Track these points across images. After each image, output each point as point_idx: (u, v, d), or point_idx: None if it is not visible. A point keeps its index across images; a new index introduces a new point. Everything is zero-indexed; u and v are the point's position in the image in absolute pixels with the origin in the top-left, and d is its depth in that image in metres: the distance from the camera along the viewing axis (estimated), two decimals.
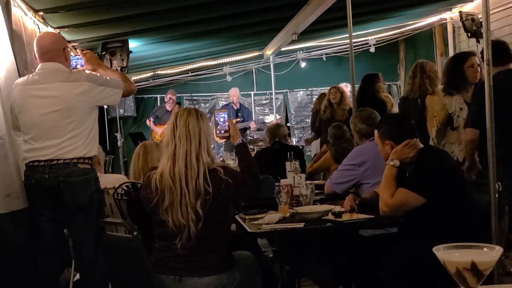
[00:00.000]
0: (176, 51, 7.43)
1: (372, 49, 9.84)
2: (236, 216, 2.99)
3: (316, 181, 4.34)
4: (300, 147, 7.15)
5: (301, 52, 9.98)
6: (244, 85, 10.27)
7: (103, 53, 4.31)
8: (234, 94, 9.02)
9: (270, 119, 9.36)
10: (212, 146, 2.58)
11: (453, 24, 8.54)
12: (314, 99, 8.67)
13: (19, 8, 3.86)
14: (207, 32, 6.51)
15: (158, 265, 2.42)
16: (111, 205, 3.41)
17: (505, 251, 3.34)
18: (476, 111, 3.51)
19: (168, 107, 8.73)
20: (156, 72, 9.28)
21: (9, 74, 3.28)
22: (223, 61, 9.56)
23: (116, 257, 2.56)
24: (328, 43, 9.75)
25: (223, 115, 2.81)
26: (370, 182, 3.41)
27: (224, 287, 2.42)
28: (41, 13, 4.37)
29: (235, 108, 8.94)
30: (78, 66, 3.27)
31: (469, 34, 6.34)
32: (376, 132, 2.93)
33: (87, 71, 3.17)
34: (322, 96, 7.25)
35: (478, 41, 6.18)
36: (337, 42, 9.60)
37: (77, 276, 3.36)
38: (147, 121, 8.83)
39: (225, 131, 2.78)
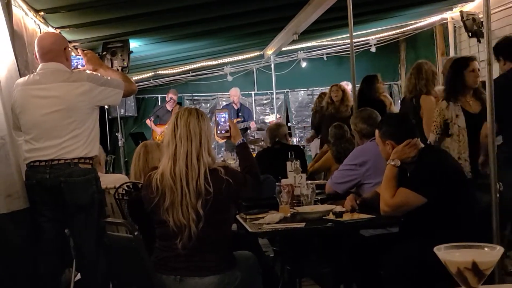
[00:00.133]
0: (177, 51, 7.43)
1: (373, 49, 9.84)
2: (237, 216, 2.99)
3: (317, 181, 4.34)
4: (301, 147, 7.14)
5: (302, 52, 9.98)
6: (245, 85, 10.27)
7: (104, 53, 4.32)
8: (234, 94, 9.03)
9: (271, 118, 9.36)
10: (212, 146, 2.58)
11: (454, 24, 8.53)
12: (315, 99, 8.67)
13: (20, 8, 3.86)
14: (208, 32, 6.51)
15: (159, 265, 2.42)
16: (112, 205, 3.41)
17: (506, 251, 3.34)
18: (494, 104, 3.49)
19: (168, 107, 8.74)
20: (157, 72, 9.29)
21: (10, 74, 3.28)
22: (224, 61, 9.56)
23: (117, 257, 2.57)
24: (329, 43, 9.75)
25: (223, 115, 2.81)
26: (371, 182, 3.41)
27: (225, 287, 2.42)
28: (42, 13, 4.38)
29: (236, 108, 8.95)
30: (79, 66, 3.27)
31: (470, 34, 6.35)
32: (377, 132, 2.93)
33: (88, 71, 3.17)
34: (322, 95, 7.24)
35: (479, 41, 6.18)
36: (338, 42, 9.60)
37: (78, 276, 3.36)
38: (148, 121, 8.83)
39: (226, 131, 2.78)
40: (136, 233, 2.29)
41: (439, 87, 4.61)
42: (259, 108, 10.70)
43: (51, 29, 4.68)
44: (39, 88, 2.97)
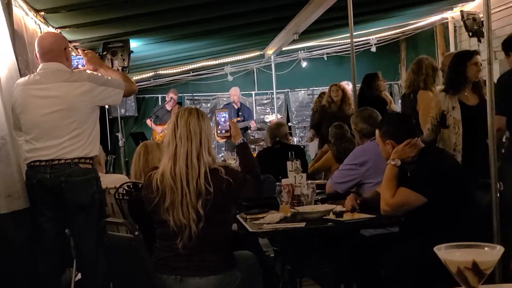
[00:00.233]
0: (177, 51, 7.44)
1: (373, 49, 9.84)
2: (237, 216, 2.99)
3: (317, 181, 4.34)
4: (302, 147, 7.13)
5: (302, 51, 9.98)
6: (245, 85, 10.27)
7: (104, 53, 4.32)
8: (234, 93, 9.04)
9: (271, 118, 9.36)
10: (213, 146, 2.58)
11: (454, 24, 8.53)
12: (315, 99, 8.66)
13: (20, 8, 3.87)
14: (208, 32, 6.51)
15: (159, 265, 2.42)
16: (112, 205, 3.41)
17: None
18: (503, 98, 3.48)
19: (168, 107, 8.74)
20: (157, 72, 9.29)
21: (11, 74, 3.28)
22: (224, 61, 9.57)
23: (117, 257, 2.57)
24: (329, 42, 9.75)
25: (224, 114, 2.81)
26: (371, 181, 3.41)
27: (225, 287, 2.42)
28: (42, 13, 4.38)
29: (236, 107, 8.95)
30: (80, 66, 3.27)
31: (470, 34, 6.34)
32: (377, 131, 2.93)
33: (88, 71, 3.17)
34: (322, 95, 7.24)
35: (479, 41, 6.18)
36: (338, 41, 9.60)
37: (79, 276, 3.36)
38: (148, 121, 8.84)
39: (226, 131, 2.78)
40: (136, 233, 2.29)
41: (440, 87, 4.61)
42: (260, 108, 10.71)
43: (51, 29, 4.69)
44: (39, 88, 2.97)
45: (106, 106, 6.16)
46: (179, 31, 6.22)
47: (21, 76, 3.32)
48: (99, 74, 3.20)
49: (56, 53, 3.04)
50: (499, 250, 1.11)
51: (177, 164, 2.41)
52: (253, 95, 10.62)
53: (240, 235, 3.05)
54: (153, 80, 9.69)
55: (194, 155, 2.41)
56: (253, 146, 7.65)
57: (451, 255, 1.11)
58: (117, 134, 7.17)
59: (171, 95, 8.71)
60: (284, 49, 8.86)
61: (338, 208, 2.90)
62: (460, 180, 2.75)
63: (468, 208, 2.67)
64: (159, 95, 10.11)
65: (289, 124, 9.99)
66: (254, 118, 9.36)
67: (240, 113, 8.87)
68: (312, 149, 7.46)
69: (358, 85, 5.54)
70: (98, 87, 3.02)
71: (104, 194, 3.20)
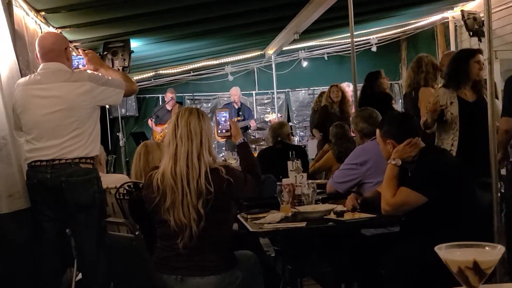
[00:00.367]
0: (178, 50, 7.44)
1: (374, 48, 9.84)
2: (238, 216, 2.99)
3: (318, 180, 4.34)
4: (303, 146, 7.13)
5: (302, 51, 9.98)
6: (246, 85, 10.27)
7: (105, 53, 4.31)
8: (235, 93, 9.04)
9: (271, 117, 9.35)
10: (213, 145, 2.58)
11: (455, 23, 8.52)
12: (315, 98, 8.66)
13: (20, 8, 3.87)
14: (209, 32, 6.52)
15: (160, 264, 2.43)
16: (113, 204, 3.41)
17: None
18: (510, 99, 3.48)
19: (168, 106, 8.74)
20: (158, 72, 9.29)
21: (11, 74, 3.28)
22: (224, 61, 9.56)
23: (118, 256, 2.57)
24: (329, 42, 9.74)
25: (224, 114, 2.81)
26: (372, 181, 3.41)
27: (226, 286, 2.42)
28: (43, 13, 4.38)
29: (236, 107, 8.95)
30: (80, 66, 3.27)
31: (471, 33, 6.33)
32: (377, 131, 2.93)
33: (89, 71, 3.17)
34: (322, 94, 7.24)
35: (480, 40, 6.16)
36: (338, 41, 9.60)
37: (80, 276, 3.37)
38: (149, 121, 8.84)
39: (227, 131, 2.79)
40: (137, 233, 2.29)
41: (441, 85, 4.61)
42: (260, 107, 10.71)
43: (52, 29, 4.69)
44: (40, 88, 2.97)
45: (107, 106, 6.16)
46: (179, 31, 6.22)
47: (22, 76, 3.32)
48: (100, 74, 3.20)
49: (57, 53, 3.05)
50: (499, 249, 1.11)
51: (178, 164, 2.41)
52: (254, 94, 10.62)
53: (240, 235, 3.05)
54: (153, 80, 9.69)
55: (194, 155, 2.41)
56: (253, 146, 7.65)
57: (452, 254, 1.11)
58: (117, 134, 7.17)
59: (170, 95, 8.70)
60: (284, 48, 8.86)
61: (339, 207, 2.90)
62: (461, 179, 2.74)
63: (468, 207, 2.66)
64: (160, 95, 10.10)
65: (290, 123, 9.98)
66: (255, 118, 9.36)
67: (240, 113, 8.88)
68: (311, 149, 7.46)
69: (359, 85, 5.54)
70: (98, 87, 3.02)
71: (104, 194, 3.20)
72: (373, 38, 9.68)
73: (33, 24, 4.18)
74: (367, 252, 2.90)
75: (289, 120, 10.36)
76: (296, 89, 10.77)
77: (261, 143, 7.89)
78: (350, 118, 3.96)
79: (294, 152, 3.45)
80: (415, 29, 9.49)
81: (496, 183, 2.81)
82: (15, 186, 2.97)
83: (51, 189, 2.91)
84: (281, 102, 10.60)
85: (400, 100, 8.11)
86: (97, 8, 4.61)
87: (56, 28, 4.82)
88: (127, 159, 6.80)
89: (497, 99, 4.69)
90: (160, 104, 9.76)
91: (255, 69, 10.43)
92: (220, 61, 9.51)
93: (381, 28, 8.99)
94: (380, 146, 2.93)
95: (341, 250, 3.11)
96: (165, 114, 8.69)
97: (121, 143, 6.73)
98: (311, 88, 10.67)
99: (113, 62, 4.29)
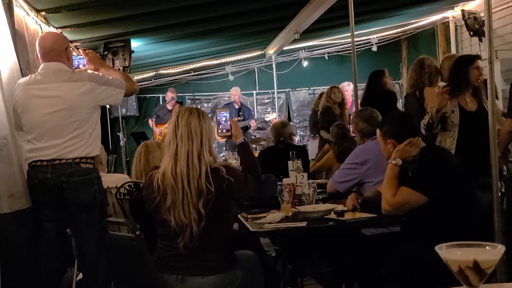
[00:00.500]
0: (178, 50, 7.44)
1: (374, 48, 9.84)
2: (239, 215, 2.99)
3: (319, 180, 4.34)
4: (304, 146, 7.13)
5: (303, 51, 9.98)
6: (246, 84, 10.27)
7: (105, 52, 4.31)
8: (235, 93, 9.05)
9: (271, 117, 9.35)
10: (214, 145, 2.58)
11: (455, 23, 8.52)
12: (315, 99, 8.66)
13: (21, 8, 3.87)
14: (209, 32, 6.52)
15: (160, 264, 2.43)
16: (113, 204, 3.41)
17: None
18: None
19: (169, 106, 8.74)
20: (158, 72, 9.29)
21: (12, 74, 3.29)
22: (225, 61, 9.56)
23: (118, 256, 2.57)
24: (330, 42, 9.74)
25: (224, 114, 2.82)
26: (372, 181, 3.41)
27: (226, 286, 2.42)
28: (43, 13, 4.39)
29: (237, 107, 8.96)
30: (81, 66, 3.27)
31: (471, 33, 6.33)
32: (378, 131, 2.93)
33: (89, 71, 3.18)
34: (322, 95, 7.24)
35: (480, 40, 6.17)
36: (339, 41, 9.59)
37: (80, 276, 3.37)
38: (149, 121, 8.84)
39: (227, 130, 2.79)
40: (137, 233, 2.29)
41: (441, 83, 4.61)
42: (261, 107, 10.71)
43: (52, 29, 4.69)
44: (40, 88, 2.98)
45: (107, 106, 6.17)
46: (180, 31, 6.22)
47: (22, 76, 3.33)
48: (100, 74, 3.20)
49: (57, 53, 3.05)
50: (500, 249, 1.11)
51: (178, 163, 2.41)
52: (254, 94, 10.62)
53: (241, 235, 3.05)
54: (154, 79, 9.69)
55: (195, 155, 2.41)
56: (253, 146, 7.65)
57: (452, 254, 1.11)
58: (118, 133, 7.16)
59: (171, 95, 8.71)
60: (285, 48, 8.86)
61: (339, 207, 2.90)
62: (461, 179, 2.75)
63: (469, 207, 2.67)
64: (160, 95, 10.10)
65: (290, 123, 9.99)
66: (255, 118, 9.37)
67: (240, 113, 8.88)
68: (311, 149, 7.46)
69: (359, 84, 5.53)
70: (99, 87, 3.02)
71: (105, 193, 3.20)
72: (373, 38, 9.68)
73: (34, 24, 4.18)
74: (367, 252, 2.90)
75: (289, 120, 10.35)
76: (297, 89, 10.77)
77: (262, 143, 7.89)
78: (351, 118, 3.96)
79: (295, 152, 3.45)
80: (415, 28, 9.49)
81: (496, 183, 2.81)
82: (16, 186, 2.98)
83: (52, 189, 2.91)
84: (281, 102, 10.60)
85: (401, 100, 8.10)
86: (98, 8, 4.61)
87: (57, 28, 4.83)
88: (127, 159, 6.80)
89: (497, 99, 4.71)
90: (161, 103, 9.75)
91: (256, 69, 10.43)
92: (220, 61, 9.51)
93: (382, 28, 8.98)
94: (380, 145, 2.94)
95: (341, 250, 3.11)
96: (165, 114, 8.69)
97: (122, 143, 6.73)
98: (311, 88, 10.67)
99: (114, 62, 4.29)
